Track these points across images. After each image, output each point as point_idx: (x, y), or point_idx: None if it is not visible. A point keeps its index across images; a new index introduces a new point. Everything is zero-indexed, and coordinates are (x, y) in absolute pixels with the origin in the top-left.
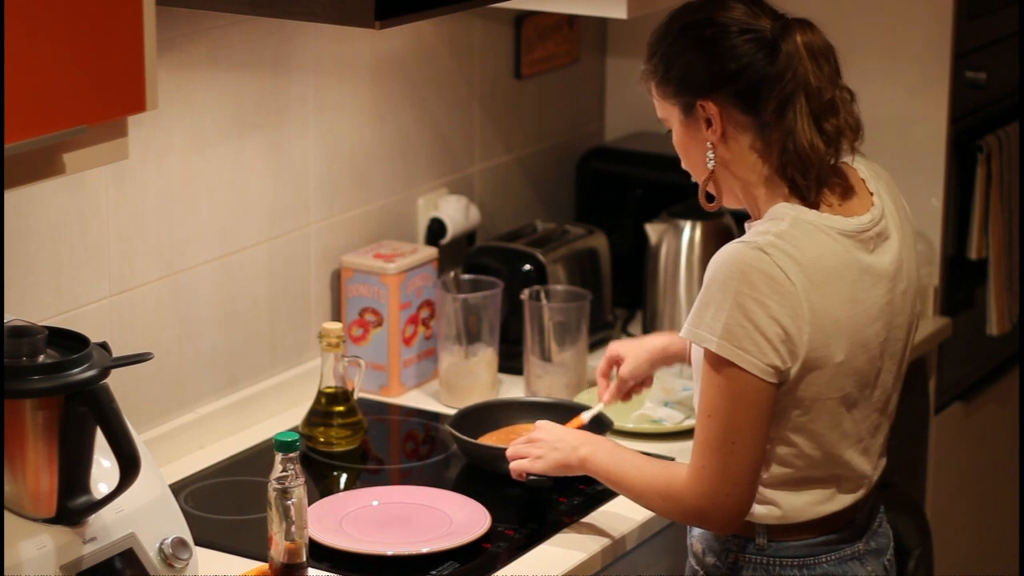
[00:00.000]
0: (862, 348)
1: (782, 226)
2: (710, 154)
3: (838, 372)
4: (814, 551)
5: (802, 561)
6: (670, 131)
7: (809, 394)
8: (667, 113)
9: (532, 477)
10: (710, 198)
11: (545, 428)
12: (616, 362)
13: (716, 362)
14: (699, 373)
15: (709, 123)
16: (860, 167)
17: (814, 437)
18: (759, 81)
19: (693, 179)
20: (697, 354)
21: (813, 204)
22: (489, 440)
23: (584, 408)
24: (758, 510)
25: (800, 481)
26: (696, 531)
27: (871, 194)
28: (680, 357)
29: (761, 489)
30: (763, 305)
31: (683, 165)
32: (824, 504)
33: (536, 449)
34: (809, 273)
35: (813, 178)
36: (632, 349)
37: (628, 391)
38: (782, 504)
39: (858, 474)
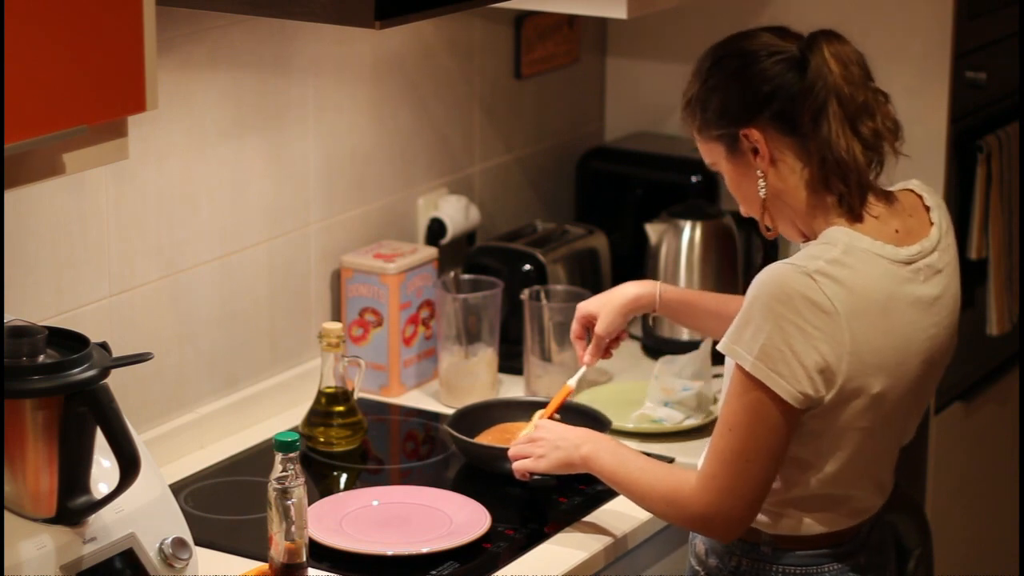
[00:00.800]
0: (900, 381)
1: (834, 252)
2: (761, 183)
3: (873, 402)
4: (817, 561)
5: (804, 571)
6: (717, 171)
7: (841, 422)
8: (714, 156)
9: (536, 477)
10: (767, 228)
11: (546, 427)
12: (589, 322)
13: (747, 380)
14: (728, 380)
15: (755, 152)
16: (925, 195)
17: (840, 462)
18: (792, 98)
19: (744, 213)
20: (728, 363)
21: (859, 216)
22: (485, 439)
23: (586, 408)
24: (767, 520)
25: (815, 500)
26: None
27: (932, 224)
28: (650, 306)
29: (774, 504)
30: (804, 332)
31: (740, 205)
32: (834, 523)
33: (538, 448)
34: (855, 301)
35: (855, 184)
36: (603, 305)
37: (606, 348)
38: (793, 518)
39: (872, 497)
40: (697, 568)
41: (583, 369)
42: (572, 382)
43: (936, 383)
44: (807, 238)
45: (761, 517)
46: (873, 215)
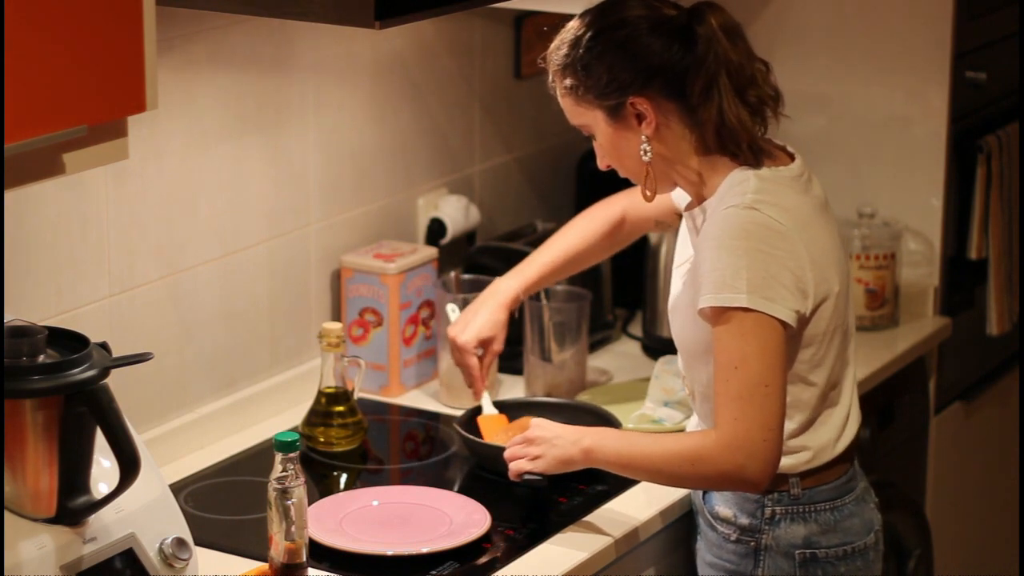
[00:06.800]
0: (844, 276)
1: (751, 184)
2: (645, 147)
3: (837, 302)
4: (839, 492)
5: (832, 504)
6: (592, 136)
7: (820, 329)
8: (588, 119)
9: (528, 476)
10: (646, 192)
11: (541, 426)
12: (482, 346)
13: (743, 317)
14: (690, 348)
15: (639, 119)
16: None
17: (828, 371)
18: (684, 68)
19: (622, 175)
20: (695, 329)
21: (759, 165)
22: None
23: (594, 408)
24: (790, 460)
25: (820, 420)
26: (718, 498)
27: (790, 154)
28: (519, 302)
29: (789, 441)
30: (772, 256)
31: (610, 164)
32: (843, 435)
33: (534, 448)
34: (794, 217)
35: (747, 148)
36: (494, 325)
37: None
38: (811, 445)
39: (857, 397)
40: (727, 531)
41: (484, 400)
42: (488, 411)
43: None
44: (699, 196)
45: (783, 460)
46: (768, 167)
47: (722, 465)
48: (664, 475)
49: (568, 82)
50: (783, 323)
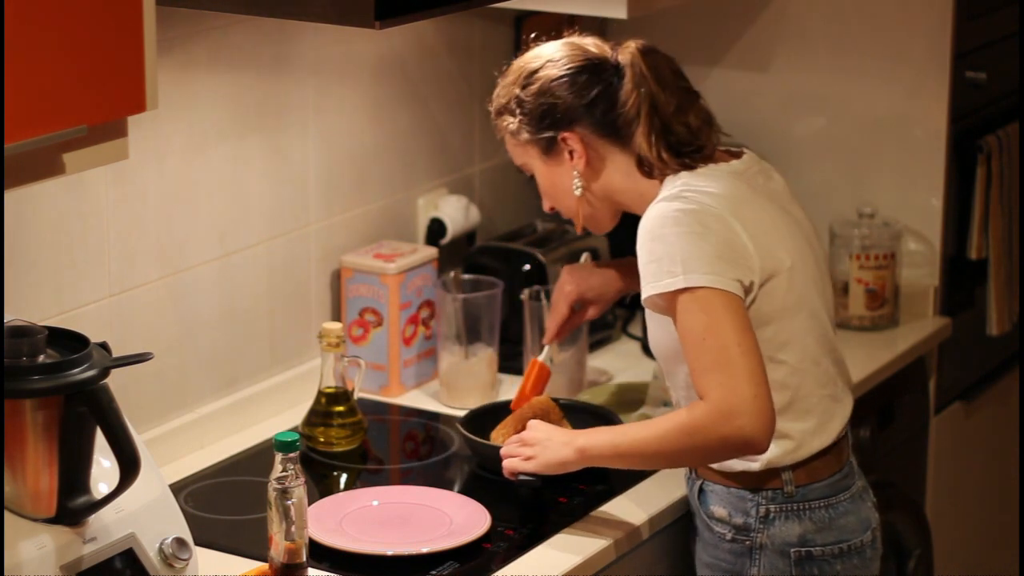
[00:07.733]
0: (800, 254)
1: (681, 180)
2: (577, 182)
3: (792, 276)
4: (834, 490)
5: (826, 502)
6: (532, 176)
7: (776, 305)
8: (526, 157)
9: (522, 476)
10: (583, 226)
11: (535, 428)
12: (579, 303)
13: (693, 295)
14: (663, 352)
15: (571, 155)
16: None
17: (799, 351)
18: (611, 104)
19: (564, 215)
20: (660, 330)
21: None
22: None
23: (595, 407)
24: (775, 450)
25: (800, 404)
26: (713, 498)
27: (739, 155)
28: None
29: None
30: (702, 235)
31: (552, 204)
32: (828, 425)
33: (528, 449)
34: (724, 200)
35: (673, 173)
36: (601, 296)
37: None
38: (793, 435)
39: (842, 385)
40: (722, 532)
41: (547, 348)
42: (544, 358)
43: (826, 268)
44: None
45: (770, 450)
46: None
47: (719, 431)
48: (664, 456)
49: (506, 122)
50: (731, 294)
